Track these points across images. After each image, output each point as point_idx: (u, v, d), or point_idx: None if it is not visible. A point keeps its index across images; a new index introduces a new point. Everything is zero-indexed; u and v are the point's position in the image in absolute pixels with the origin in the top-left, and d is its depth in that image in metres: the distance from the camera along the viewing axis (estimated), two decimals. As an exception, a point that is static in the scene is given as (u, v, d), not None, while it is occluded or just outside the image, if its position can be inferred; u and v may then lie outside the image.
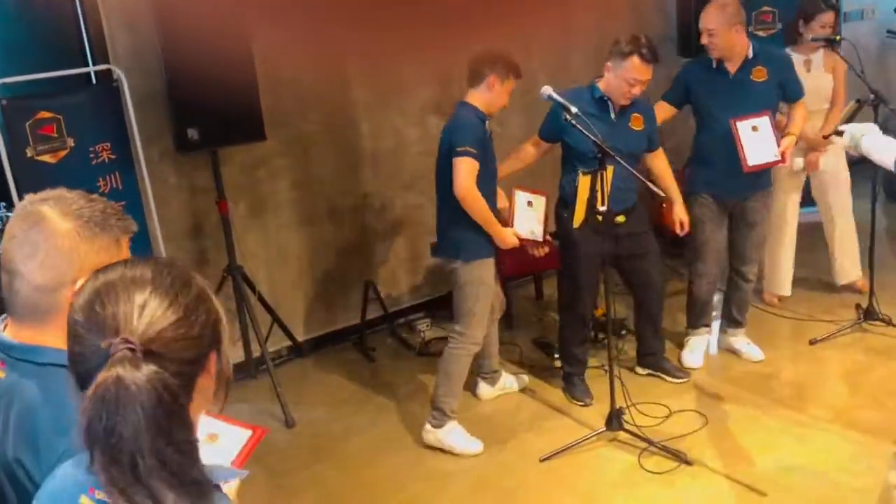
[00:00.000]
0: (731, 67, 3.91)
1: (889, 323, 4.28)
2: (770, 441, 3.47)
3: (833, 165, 4.52)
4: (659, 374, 4.13)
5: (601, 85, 3.68)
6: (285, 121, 4.40)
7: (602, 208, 3.36)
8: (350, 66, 4.51)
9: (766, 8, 5.80)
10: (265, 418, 4.00)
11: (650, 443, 3.44)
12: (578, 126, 3.30)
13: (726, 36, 3.81)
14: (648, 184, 3.44)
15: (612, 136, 3.52)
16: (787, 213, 4.61)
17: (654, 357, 4.17)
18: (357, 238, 4.82)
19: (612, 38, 5.16)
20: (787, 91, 3.98)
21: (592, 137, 3.30)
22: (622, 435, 3.54)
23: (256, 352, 4.29)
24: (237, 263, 4.12)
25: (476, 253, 3.56)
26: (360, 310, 4.75)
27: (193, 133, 3.72)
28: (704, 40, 3.88)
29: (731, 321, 4.32)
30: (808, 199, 5.79)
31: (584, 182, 3.39)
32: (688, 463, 3.33)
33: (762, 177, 4.00)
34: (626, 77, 3.57)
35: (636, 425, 3.54)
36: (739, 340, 4.28)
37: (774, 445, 3.43)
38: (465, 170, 3.39)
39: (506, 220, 3.67)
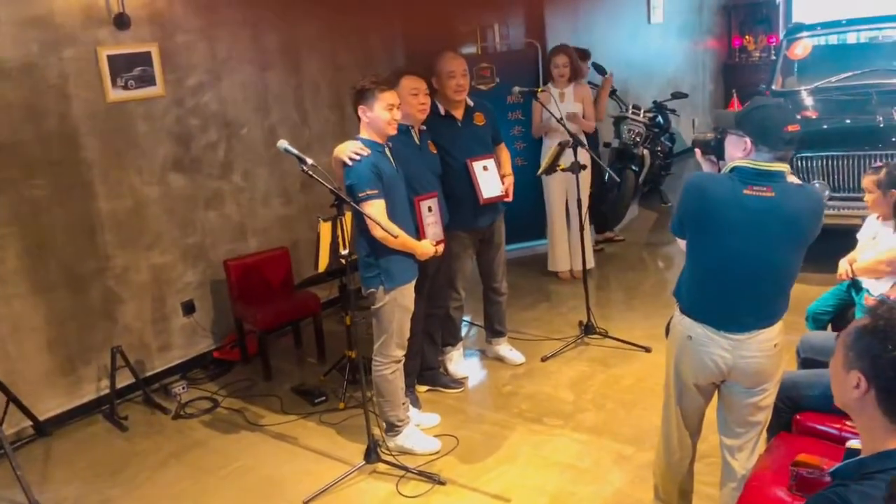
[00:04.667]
0: (458, 115, 4.33)
1: (605, 335, 4.89)
2: (512, 452, 3.82)
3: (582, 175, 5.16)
4: (438, 388, 4.47)
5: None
6: (8, 187, 4.17)
7: (344, 252, 3.56)
8: (80, 126, 4.39)
9: (484, 64, 6.45)
10: (4, 505, 3.71)
11: (406, 469, 3.65)
12: (315, 176, 3.46)
13: (467, 80, 4.28)
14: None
15: (421, 157, 4.00)
16: (556, 208, 6.01)
17: (433, 372, 4.49)
18: (100, 303, 4.63)
19: (346, 92, 5.49)
20: (495, 134, 4.48)
21: (329, 187, 3.49)
22: (381, 466, 3.71)
23: (-10, 435, 3.96)
24: (-39, 342, 3.80)
25: (395, 281, 3.67)
26: (109, 378, 4.54)
27: None
28: (460, 82, 4.21)
29: (494, 332, 4.84)
30: (526, 236, 6.48)
31: (325, 228, 3.57)
32: (441, 483, 3.57)
33: (498, 204, 4.45)
34: (404, 96, 3.86)
35: (392, 454, 3.74)
36: (503, 348, 4.84)
37: (516, 455, 3.79)
38: (374, 214, 3.49)
39: (422, 231, 3.86)
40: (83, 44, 4.42)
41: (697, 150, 2.93)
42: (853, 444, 1.77)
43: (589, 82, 6.66)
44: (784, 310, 2.68)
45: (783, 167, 2.58)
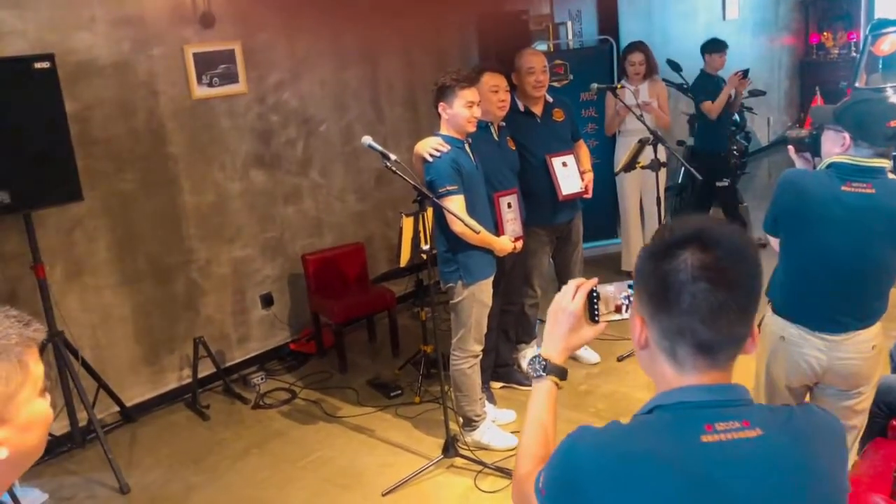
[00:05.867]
0: (537, 111, 4.32)
1: (683, 336, 4.80)
2: (590, 450, 3.78)
3: (650, 175, 5.19)
4: (512, 385, 4.46)
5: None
6: (101, 180, 4.32)
7: (425, 247, 3.59)
8: (167, 122, 4.52)
9: (558, 61, 6.41)
10: (97, 488, 3.85)
11: (484, 465, 3.66)
12: (399, 172, 3.50)
13: (547, 77, 4.27)
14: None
15: (500, 154, 3.97)
16: (630, 206, 5.97)
17: (507, 369, 4.49)
18: (183, 295, 4.76)
19: (420, 89, 5.54)
20: (574, 130, 4.45)
21: (412, 182, 3.52)
22: (459, 461, 3.74)
23: (83, 420, 4.11)
24: (57, 329, 3.95)
25: (474, 276, 3.71)
26: (191, 368, 4.67)
27: (4, 196, 3.57)
28: (539, 77, 4.21)
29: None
30: (599, 234, 6.45)
31: (407, 223, 3.60)
32: (520, 479, 3.57)
33: (576, 201, 4.43)
34: (485, 93, 3.81)
35: (470, 449, 3.76)
36: None
37: (594, 454, 3.75)
38: (454, 209, 3.53)
39: (501, 227, 3.89)
40: (171, 42, 4.55)
41: (791, 148, 2.87)
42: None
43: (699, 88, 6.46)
44: (883, 310, 2.60)
45: (884, 163, 2.50)
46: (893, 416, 2.89)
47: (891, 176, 2.54)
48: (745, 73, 6.47)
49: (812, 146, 2.75)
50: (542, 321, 5.17)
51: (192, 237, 4.77)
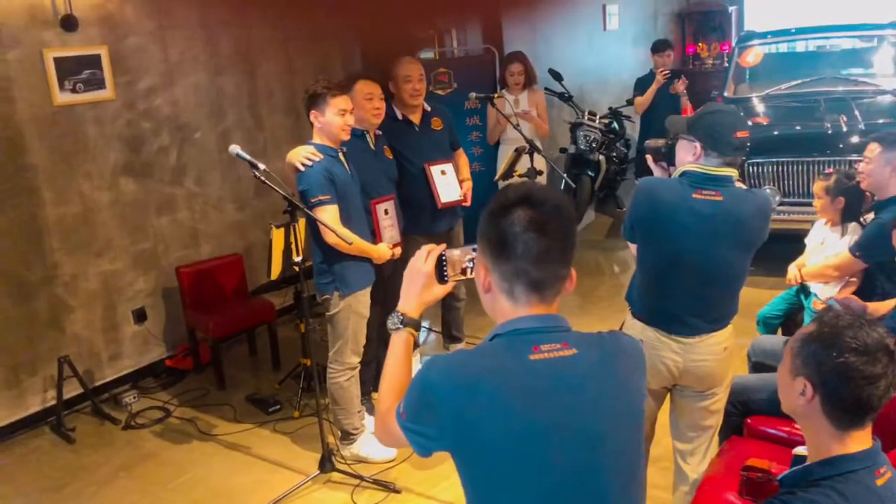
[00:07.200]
0: (415, 119, 4.31)
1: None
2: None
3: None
4: None
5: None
6: (-50, 192, 4.04)
7: (297, 259, 3.51)
8: (25, 130, 4.28)
9: (442, 69, 6.44)
10: (-56, 522, 3.59)
11: (361, 478, 3.61)
12: (268, 182, 3.41)
13: (424, 85, 4.26)
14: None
15: (376, 162, 3.95)
16: None
17: None
18: (47, 312, 4.50)
19: (299, 99, 5.45)
20: (453, 139, 4.47)
21: (282, 193, 3.44)
22: (336, 475, 3.67)
23: (-71, 450, 3.83)
24: None
25: (350, 287, 3.64)
26: (56, 389, 4.42)
27: None
28: (416, 86, 4.18)
29: (452, 338, 4.84)
30: (475, 243, 6.51)
31: (277, 235, 3.52)
32: (397, 491, 3.54)
33: (456, 209, 4.45)
34: (359, 101, 3.81)
35: (348, 463, 3.70)
36: None
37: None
38: (327, 220, 3.44)
39: (378, 235, 3.85)
40: (28, 45, 4.30)
41: (649, 157, 2.95)
42: (799, 450, 1.79)
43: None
44: (733, 313, 2.70)
45: (732, 172, 2.60)
46: (748, 414, 3.01)
47: (738, 184, 2.64)
48: (677, 73, 6.78)
49: (668, 155, 2.83)
50: (426, 328, 5.19)
51: (56, 251, 4.52)
